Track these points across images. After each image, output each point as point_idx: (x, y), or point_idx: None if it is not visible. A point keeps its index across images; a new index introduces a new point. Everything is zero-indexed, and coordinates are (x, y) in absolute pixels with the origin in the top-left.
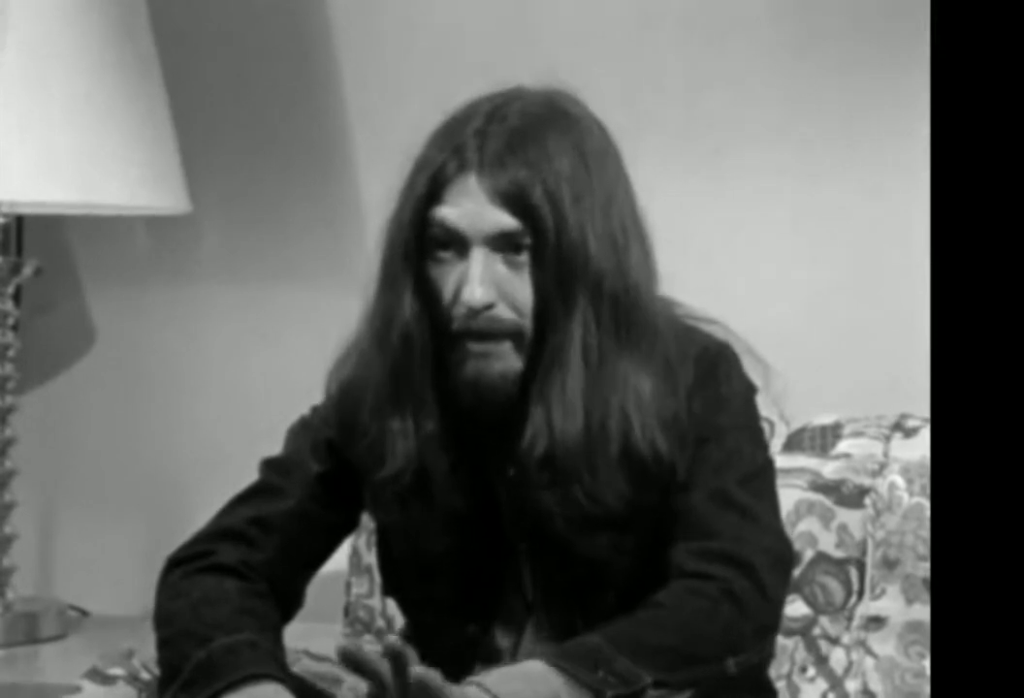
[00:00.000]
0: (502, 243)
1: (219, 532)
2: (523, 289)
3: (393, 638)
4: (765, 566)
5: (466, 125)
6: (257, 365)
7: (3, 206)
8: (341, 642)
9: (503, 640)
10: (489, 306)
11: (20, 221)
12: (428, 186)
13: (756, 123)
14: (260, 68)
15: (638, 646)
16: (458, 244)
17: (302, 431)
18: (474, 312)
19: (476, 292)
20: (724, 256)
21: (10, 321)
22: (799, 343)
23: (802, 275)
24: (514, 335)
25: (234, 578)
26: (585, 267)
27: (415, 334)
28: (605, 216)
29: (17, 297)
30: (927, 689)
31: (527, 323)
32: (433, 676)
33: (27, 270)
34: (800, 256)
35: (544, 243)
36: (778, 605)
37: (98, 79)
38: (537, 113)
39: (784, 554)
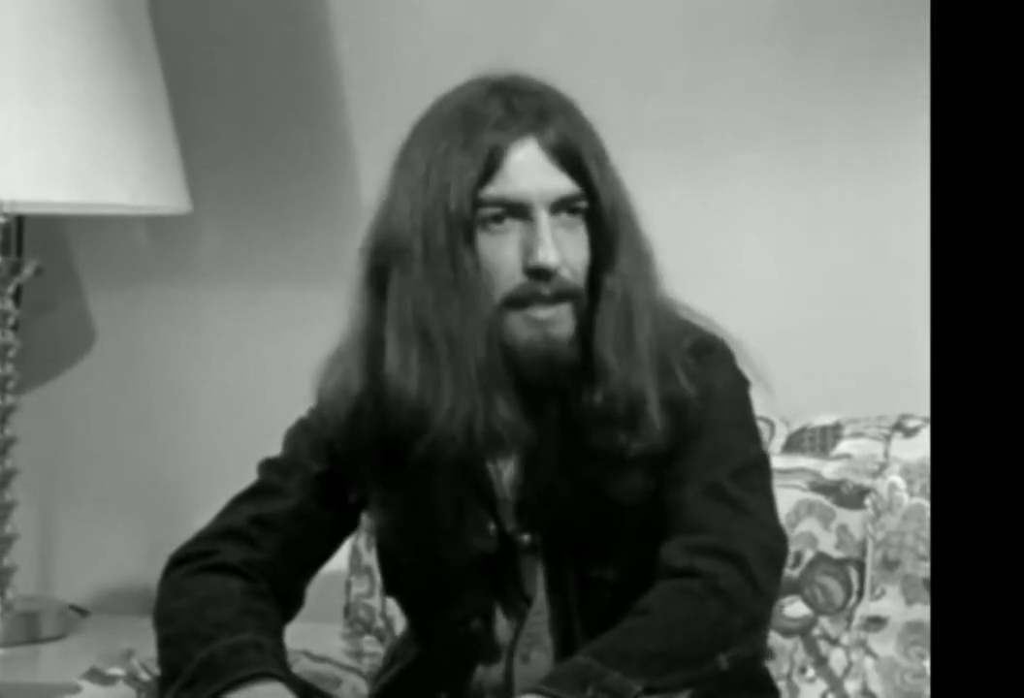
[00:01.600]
0: (560, 206)
1: (221, 531)
2: (578, 250)
3: None
4: (756, 559)
5: (486, 104)
6: (257, 365)
7: (4, 206)
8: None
9: (503, 636)
10: (560, 267)
11: (20, 221)
12: (480, 167)
13: (756, 123)
14: (260, 68)
15: (626, 657)
16: (518, 211)
17: (301, 433)
18: (548, 274)
19: (551, 254)
20: (724, 255)
21: (10, 321)
22: (799, 343)
23: (802, 274)
24: (574, 297)
25: (237, 578)
26: (626, 224)
27: (483, 310)
28: (621, 185)
29: (17, 297)
30: (927, 690)
31: (582, 284)
32: None
33: (27, 270)
34: (800, 255)
35: (600, 204)
36: (770, 598)
37: (98, 79)
38: (548, 89)
39: (777, 548)
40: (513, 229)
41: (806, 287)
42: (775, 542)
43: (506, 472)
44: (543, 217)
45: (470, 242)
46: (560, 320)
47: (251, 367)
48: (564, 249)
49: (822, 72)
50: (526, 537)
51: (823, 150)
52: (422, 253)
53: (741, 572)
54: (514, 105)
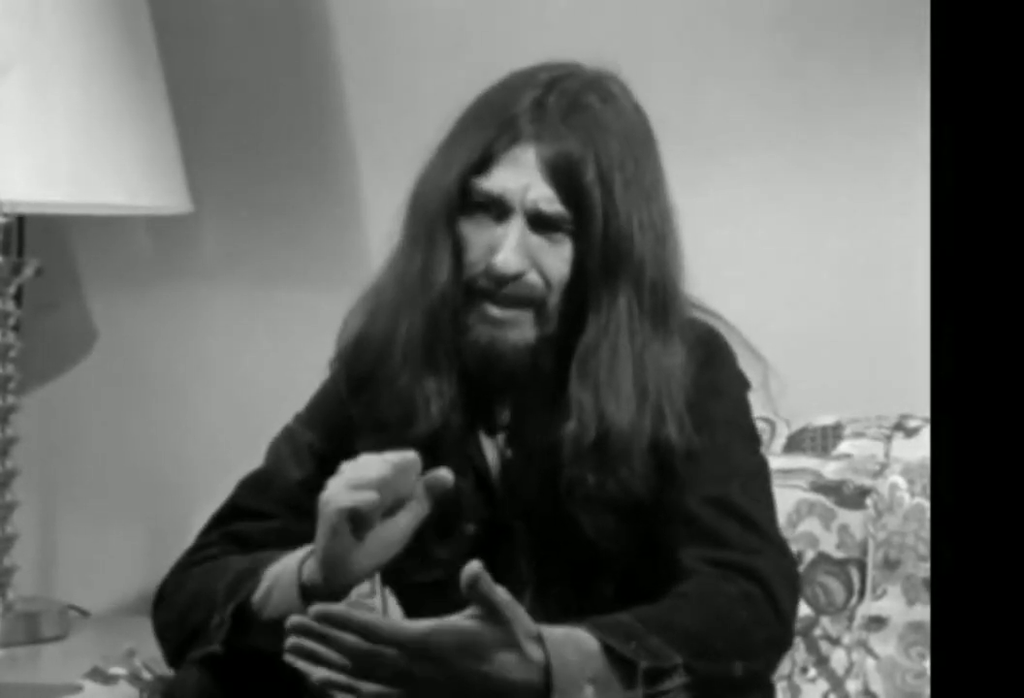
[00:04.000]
0: (542, 221)
1: (194, 549)
2: (556, 261)
3: None
4: (777, 581)
5: (523, 93)
6: (258, 365)
7: (4, 206)
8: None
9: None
10: (520, 275)
11: (21, 221)
12: (478, 154)
13: (756, 123)
14: (261, 67)
15: (668, 629)
16: (498, 210)
17: (283, 441)
18: (504, 279)
19: (510, 260)
20: (723, 256)
21: (11, 321)
22: (800, 343)
23: (802, 274)
24: (538, 305)
25: (221, 559)
26: (630, 254)
27: (449, 294)
28: (648, 206)
29: (18, 297)
30: (928, 690)
31: (553, 295)
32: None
33: (28, 270)
34: (800, 255)
35: (591, 227)
36: (790, 624)
37: (99, 79)
38: (594, 91)
39: (793, 571)
40: (490, 224)
41: (806, 287)
42: (791, 567)
43: (504, 458)
44: (517, 223)
45: (451, 223)
46: (517, 325)
47: (252, 367)
48: (537, 255)
49: (821, 73)
50: (519, 524)
51: (823, 151)
52: (409, 220)
53: (766, 594)
54: (544, 103)
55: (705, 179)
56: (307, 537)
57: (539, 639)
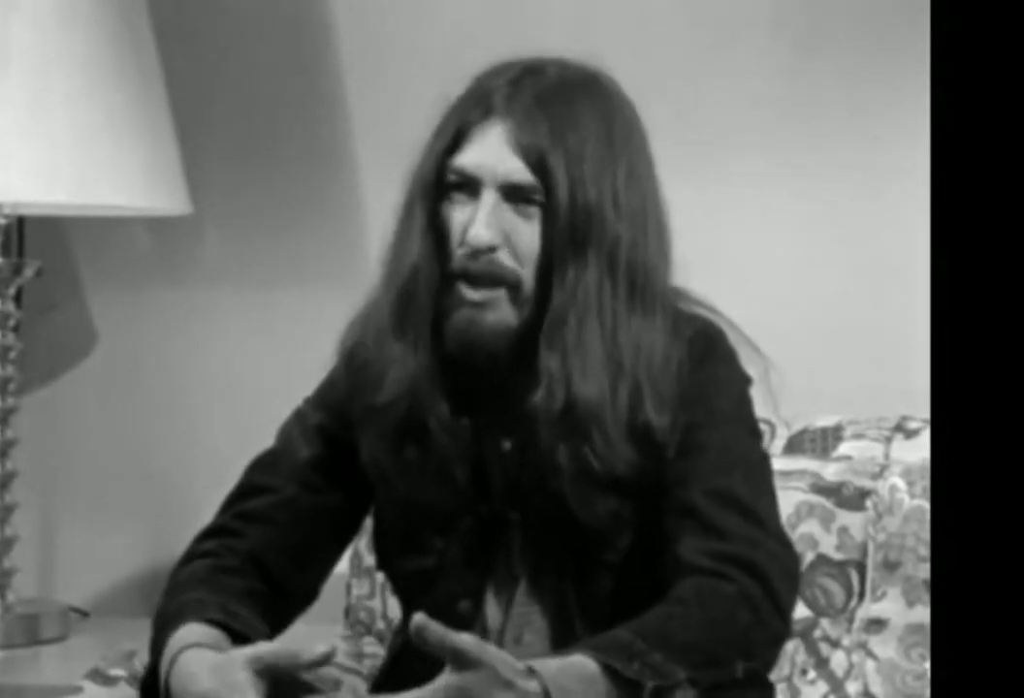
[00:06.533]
0: (513, 192)
1: (204, 534)
2: (529, 239)
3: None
4: (777, 575)
5: (501, 75)
6: (258, 366)
7: (4, 207)
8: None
9: (494, 618)
10: (492, 248)
11: (21, 222)
12: (452, 134)
13: (756, 124)
14: (262, 68)
15: (667, 642)
16: (471, 186)
17: (293, 422)
18: (476, 252)
19: (481, 232)
20: (723, 257)
21: (11, 322)
22: (800, 344)
23: (802, 276)
24: (511, 284)
25: (208, 558)
26: (601, 231)
27: (423, 268)
28: (626, 189)
29: (18, 298)
30: (928, 692)
31: (527, 275)
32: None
33: (28, 271)
34: (800, 257)
35: (557, 200)
36: (789, 618)
37: (99, 80)
38: (572, 77)
39: (793, 567)
40: (465, 202)
41: (806, 289)
42: (791, 560)
43: (499, 448)
44: (487, 195)
45: (428, 205)
46: (494, 307)
47: (252, 368)
48: (511, 234)
49: (823, 75)
50: (516, 515)
51: (823, 152)
52: (398, 210)
53: (765, 589)
54: (519, 82)
55: (705, 180)
56: (314, 509)
57: (531, 672)
